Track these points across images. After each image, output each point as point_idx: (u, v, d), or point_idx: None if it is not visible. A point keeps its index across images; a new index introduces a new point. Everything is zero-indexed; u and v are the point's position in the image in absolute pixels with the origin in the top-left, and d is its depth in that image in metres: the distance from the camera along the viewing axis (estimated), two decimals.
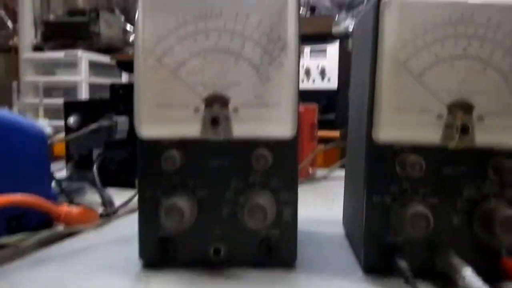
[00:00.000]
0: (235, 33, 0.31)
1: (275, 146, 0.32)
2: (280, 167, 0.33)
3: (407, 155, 0.31)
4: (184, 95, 0.31)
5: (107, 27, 2.21)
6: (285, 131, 0.32)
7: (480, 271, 0.29)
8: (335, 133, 1.58)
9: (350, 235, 0.41)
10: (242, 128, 0.32)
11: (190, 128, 0.32)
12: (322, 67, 1.67)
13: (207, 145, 0.32)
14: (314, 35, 1.60)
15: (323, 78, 1.67)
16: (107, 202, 0.52)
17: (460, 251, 0.31)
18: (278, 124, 0.32)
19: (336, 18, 1.98)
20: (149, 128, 0.32)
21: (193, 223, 0.32)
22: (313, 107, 0.76)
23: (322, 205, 0.56)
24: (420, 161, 0.30)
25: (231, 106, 0.32)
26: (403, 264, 0.31)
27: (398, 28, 0.31)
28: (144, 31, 0.31)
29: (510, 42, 0.30)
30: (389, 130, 0.32)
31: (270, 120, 0.32)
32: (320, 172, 0.78)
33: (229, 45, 0.31)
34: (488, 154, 0.32)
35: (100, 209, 0.50)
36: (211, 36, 0.31)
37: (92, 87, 2.16)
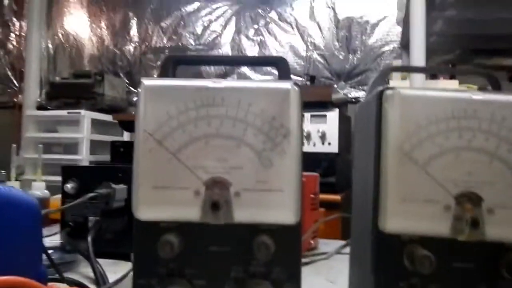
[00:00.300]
0: (237, 120, 0.31)
1: (278, 232, 0.31)
2: (282, 256, 0.31)
3: (415, 247, 0.30)
4: (184, 178, 0.31)
5: (111, 88, 2.26)
6: (288, 217, 0.31)
7: None
8: (336, 197, 1.57)
9: None
10: (244, 212, 0.31)
11: (190, 211, 0.31)
12: (322, 131, 1.69)
13: (207, 230, 0.31)
14: (314, 103, 1.63)
15: (323, 142, 1.69)
16: (99, 278, 0.49)
17: None
18: (281, 210, 0.31)
19: (336, 86, 2.04)
20: (147, 210, 0.31)
21: None
22: (315, 176, 0.75)
23: (322, 287, 0.53)
24: (430, 256, 0.29)
25: (232, 190, 0.31)
26: None
27: (401, 120, 0.31)
28: (145, 115, 0.31)
29: None
30: (396, 220, 0.31)
31: (272, 205, 0.31)
32: (322, 244, 0.75)
33: (231, 131, 0.31)
34: (500, 249, 0.30)
35: (92, 286, 0.48)
36: (213, 122, 0.31)
37: (93, 144, 2.17)
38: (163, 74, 0.38)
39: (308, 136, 1.69)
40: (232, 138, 0.31)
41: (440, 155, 0.30)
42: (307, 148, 1.69)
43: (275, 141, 0.31)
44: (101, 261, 0.53)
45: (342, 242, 0.71)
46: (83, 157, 2.12)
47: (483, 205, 0.30)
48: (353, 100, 2.09)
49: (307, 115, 1.71)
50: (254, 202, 0.31)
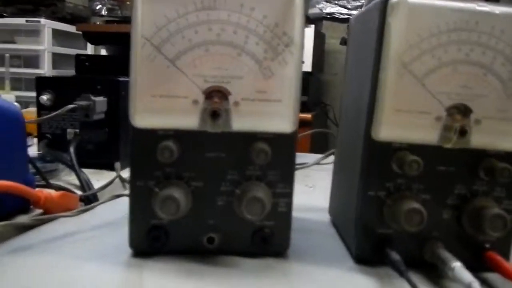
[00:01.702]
0: (238, 26, 0.30)
1: (275, 140, 0.32)
2: (278, 161, 0.32)
3: (405, 154, 0.32)
4: (182, 86, 0.30)
5: None
6: (286, 126, 0.32)
7: (466, 263, 0.30)
8: (308, 116, 1.60)
9: (337, 223, 0.42)
10: (242, 122, 0.31)
11: (188, 120, 0.31)
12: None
13: (205, 137, 0.32)
14: None
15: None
16: (85, 185, 0.50)
17: (447, 244, 0.33)
18: (279, 119, 0.32)
19: (311, 1, 1.97)
20: (145, 117, 0.31)
21: (187, 213, 0.32)
22: None
23: (303, 192, 0.56)
24: (418, 160, 0.31)
25: (231, 99, 0.31)
26: (396, 256, 0.31)
27: (404, 30, 0.30)
28: (142, 19, 0.29)
29: (510, 50, 0.31)
30: (388, 129, 0.32)
31: (271, 115, 0.31)
32: (298, 156, 0.78)
33: (232, 38, 0.30)
34: (481, 155, 0.33)
35: (78, 192, 0.49)
36: (214, 28, 0.30)
37: (56, 58, 2.06)
38: None
39: None
40: (233, 46, 0.30)
41: (438, 68, 0.31)
42: None
43: (277, 50, 0.31)
44: (85, 171, 0.54)
45: (319, 155, 0.75)
46: (45, 71, 2.02)
47: (472, 116, 0.32)
48: (328, 16, 2.05)
49: None
50: (253, 112, 0.31)
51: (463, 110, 0.32)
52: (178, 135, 0.31)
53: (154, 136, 0.31)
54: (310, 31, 1.65)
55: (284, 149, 0.33)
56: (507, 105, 0.32)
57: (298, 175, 0.65)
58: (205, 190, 0.32)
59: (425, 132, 0.32)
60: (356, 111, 0.36)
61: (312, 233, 0.41)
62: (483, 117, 0.32)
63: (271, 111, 0.31)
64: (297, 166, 0.68)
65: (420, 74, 0.31)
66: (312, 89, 1.68)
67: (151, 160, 0.31)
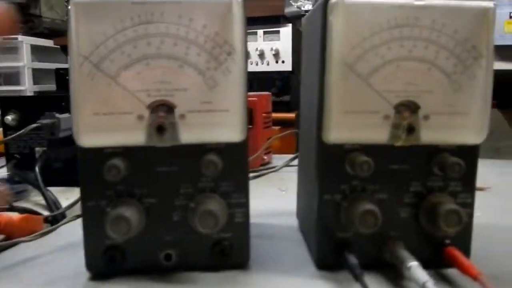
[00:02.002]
0: (178, 38, 0.29)
1: (225, 150, 0.32)
2: (230, 171, 0.32)
3: (356, 155, 0.31)
4: (126, 102, 0.30)
5: (48, 9, 2.08)
6: (234, 135, 0.31)
7: (426, 260, 0.30)
8: (291, 115, 1.60)
9: (303, 228, 0.41)
10: (190, 134, 0.31)
11: (135, 136, 0.30)
12: (276, 49, 1.66)
13: (154, 152, 0.31)
14: (266, 18, 1.58)
15: (277, 60, 1.67)
16: (52, 204, 0.49)
17: (407, 242, 0.32)
18: (227, 129, 0.31)
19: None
20: (90, 136, 0.30)
21: (142, 230, 0.31)
22: (267, 95, 0.75)
23: (275, 196, 0.56)
24: (369, 161, 0.31)
25: (177, 112, 0.30)
26: (353, 260, 0.31)
27: (345, 31, 0.30)
28: (79, 37, 0.29)
29: (453, 44, 0.31)
30: (339, 131, 0.32)
31: (218, 125, 0.31)
32: (275, 158, 0.78)
33: (172, 51, 0.30)
34: (433, 151, 0.33)
35: (45, 213, 0.48)
36: (153, 41, 0.29)
37: (36, 73, 2.04)
38: None
39: (262, 55, 1.66)
40: (175, 58, 0.30)
41: (382, 66, 0.31)
42: (261, 67, 1.67)
43: (219, 59, 0.30)
44: (52, 189, 0.53)
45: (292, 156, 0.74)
46: (26, 87, 2.00)
47: (420, 112, 0.32)
48: (307, 13, 2.05)
49: (260, 32, 1.66)
50: (200, 123, 0.31)
51: (411, 107, 0.31)
52: (126, 152, 0.31)
53: (102, 154, 0.31)
54: (288, 30, 1.65)
55: (236, 159, 0.32)
56: (454, 99, 0.31)
57: (272, 178, 0.66)
58: (158, 206, 0.32)
59: (375, 131, 0.32)
60: (309, 114, 0.36)
61: (279, 240, 0.40)
62: (431, 112, 0.32)
63: (218, 121, 0.31)
64: (266, 170, 0.68)
65: (365, 73, 0.31)
66: (294, 88, 1.68)
67: (101, 179, 0.30)
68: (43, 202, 0.51)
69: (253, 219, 0.46)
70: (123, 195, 0.31)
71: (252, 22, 1.64)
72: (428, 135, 0.32)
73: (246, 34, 0.31)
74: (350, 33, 0.30)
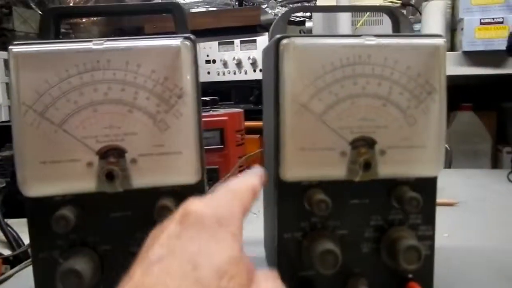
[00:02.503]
0: (126, 83, 0.29)
1: (180, 193, 0.31)
2: None
3: (313, 193, 0.31)
4: (74, 150, 0.29)
5: (22, 23, 2.04)
6: (189, 177, 0.31)
7: None
8: None
9: (269, 260, 0.41)
10: (143, 178, 0.30)
11: (85, 183, 0.29)
12: (253, 58, 1.66)
13: (106, 198, 0.30)
14: (243, 27, 1.58)
15: (254, 69, 1.66)
16: (13, 242, 0.48)
17: (370, 278, 0.32)
18: (182, 172, 0.31)
19: (265, 6, 1.97)
20: (37, 186, 0.29)
21: (98, 280, 0.30)
22: (238, 112, 0.75)
23: (247, 221, 0.55)
24: (326, 199, 0.30)
25: (128, 157, 0.30)
26: None
27: (297, 70, 0.30)
28: (21, 86, 0.28)
29: (406, 79, 0.30)
30: (295, 168, 0.31)
31: (172, 168, 0.30)
32: None
33: (120, 96, 0.29)
34: (392, 185, 0.32)
35: (5, 252, 0.46)
36: (100, 87, 0.29)
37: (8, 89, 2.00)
38: (43, 31, 0.34)
39: (239, 64, 1.65)
40: (123, 103, 0.29)
41: (336, 103, 0.30)
42: (239, 76, 1.66)
43: (170, 102, 0.30)
44: (17, 220, 0.52)
45: None
46: (1, 102, 1.96)
47: (376, 147, 0.31)
48: None
49: (237, 41, 1.66)
50: (153, 167, 0.30)
51: (368, 142, 0.31)
52: (77, 199, 0.30)
53: (51, 203, 0.30)
54: (264, 39, 1.64)
55: None
56: (410, 133, 0.31)
57: None
58: (114, 253, 0.31)
59: (332, 168, 0.31)
60: (268, 149, 0.35)
61: None
62: (388, 147, 0.31)
63: (172, 164, 0.30)
64: None
65: (319, 111, 0.30)
66: None
67: (51, 230, 0.29)
68: (3, 238, 0.50)
69: None
70: (76, 244, 0.30)
71: (229, 32, 1.63)
72: (386, 169, 0.31)
73: (198, 75, 0.30)
74: (303, 73, 0.30)
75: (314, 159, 0.31)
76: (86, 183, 0.29)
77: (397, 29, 0.36)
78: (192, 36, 0.30)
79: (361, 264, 0.33)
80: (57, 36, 0.34)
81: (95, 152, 0.29)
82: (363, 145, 0.31)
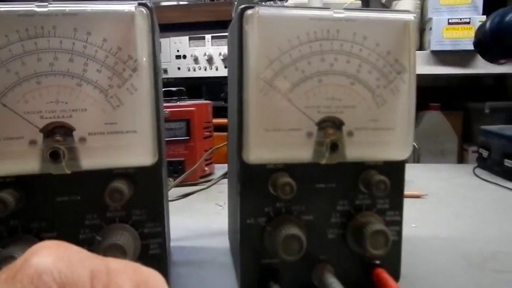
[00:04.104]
0: (74, 54, 0.26)
1: (134, 175, 0.29)
2: (142, 198, 0.29)
3: (278, 176, 0.29)
4: (15, 126, 0.26)
5: None
6: (144, 159, 0.28)
7: (357, 283, 0.29)
8: None
9: (232, 251, 0.39)
10: (93, 159, 0.27)
11: (27, 163, 0.27)
12: (224, 54, 1.64)
13: (52, 180, 0.28)
14: (214, 22, 1.55)
15: (226, 65, 1.64)
16: None
17: (336, 265, 0.31)
18: (136, 152, 0.28)
19: (236, 2, 1.95)
20: None
21: None
22: (206, 104, 0.72)
23: (212, 213, 0.53)
24: (291, 182, 0.29)
25: (76, 135, 0.27)
26: None
27: (262, 44, 0.28)
28: None
29: (375, 57, 0.29)
30: (259, 150, 0.29)
31: (125, 148, 0.28)
32: (219, 169, 0.75)
33: (68, 67, 0.26)
34: (360, 168, 0.31)
35: None
36: (45, 57, 0.26)
37: None
38: None
39: (210, 60, 1.63)
40: (71, 75, 0.27)
41: (303, 81, 0.29)
42: (210, 72, 1.64)
43: (123, 76, 0.27)
44: None
45: None
46: None
47: (344, 128, 0.30)
48: (263, 2, 2.03)
49: (208, 36, 1.63)
50: (104, 147, 0.27)
51: (335, 123, 0.30)
52: (18, 181, 0.27)
53: None
54: None
55: (148, 184, 0.29)
56: (378, 114, 0.30)
57: (210, 192, 0.63)
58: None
59: (298, 150, 0.30)
60: (232, 132, 0.33)
61: (206, 265, 0.37)
62: (356, 128, 0.30)
63: (125, 144, 0.28)
64: (201, 186, 0.65)
65: (284, 89, 0.29)
66: None
67: None
68: None
69: (184, 242, 0.43)
70: (17, 231, 0.28)
71: (200, 27, 1.60)
72: (353, 152, 0.30)
73: (156, 47, 0.28)
74: (268, 47, 0.28)
75: (279, 140, 0.29)
76: (29, 164, 0.27)
77: (366, 5, 0.35)
78: (149, 3, 0.28)
79: (327, 251, 0.31)
80: None
81: (39, 129, 0.27)
82: (331, 126, 0.30)
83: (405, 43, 0.29)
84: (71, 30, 0.26)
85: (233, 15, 0.35)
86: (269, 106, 0.29)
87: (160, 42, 0.34)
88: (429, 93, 1.57)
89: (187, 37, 1.62)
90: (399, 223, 0.32)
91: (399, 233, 0.32)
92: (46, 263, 0.14)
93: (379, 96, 0.30)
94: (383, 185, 0.29)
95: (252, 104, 0.29)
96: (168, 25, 1.57)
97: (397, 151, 0.31)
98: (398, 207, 0.32)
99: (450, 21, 1.14)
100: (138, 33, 0.27)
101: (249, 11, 0.28)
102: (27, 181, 0.27)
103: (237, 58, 0.29)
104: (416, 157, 1.38)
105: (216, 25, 1.60)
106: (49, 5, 0.26)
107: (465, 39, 1.15)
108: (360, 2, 1.22)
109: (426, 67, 1.20)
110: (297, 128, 0.29)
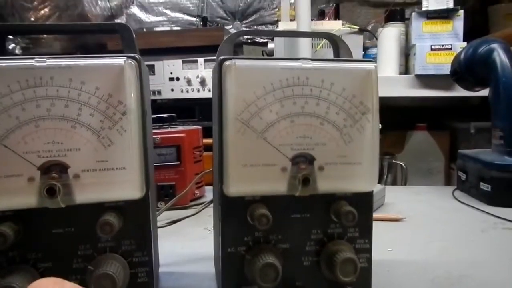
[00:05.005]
0: (69, 99, 0.29)
1: (124, 208, 0.31)
2: (131, 229, 0.32)
3: (255, 208, 0.32)
4: (15, 165, 0.29)
5: None
6: (133, 193, 0.31)
7: None
8: None
9: (217, 277, 0.41)
10: (86, 193, 0.30)
11: (26, 198, 0.29)
12: None
13: (48, 214, 0.30)
14: (207, 47, 1.60)
15: None
16: None
17: None
18: (126, 187, 0.31)
19: (230, 27, 2.01)
20: None
21: None
22: (196, 129, 0.75)
23: (200, 237, 0.55)
24: (266, 214, 0.31)
25: (71, 172, 0.30)
26: None
27: (239, 90, 0.31)
28: None
29: (342, 100, 0.32)
30: (238, 184, 0.32)
31: (116, 183, 0.31)
32: (210, 191, 0.77)
33: (63, 112, 0.29)
34: (331, 199, 0.34)
35: None
36: (43, 104, 0.29)
37: None
38: None
39: (203, 82, 1.67)
40: (66, 119, 0.30)
41: (276, 122, 0.32)
42: (203, 94, 1.67)
43: (114, 119, 0.30)
44: None
45: None
46: None
47: (315, 163, 0.33)
48: (249, 41, 2.09)
49: (201, 60, 1.68)
50: (96, 182, 0.30)
51: (307, 159, 0.33)
52: (17, 215, 0.30)
53: None
54: None
55: (137, 216, 0.32)
56: (346, 150, 0.33)
57: (200, 216, 0.65)
58: (55, 270, 0.31)
59: (273, 183, 0.33)
60: (214, 166, 0.36)
61: None
62: (326, 163, 0.33)
63: (115, 180, 0.31)
64: (196, 207, 0.68)
65: (260, 129, 0.32)
66: None
67: None
68: None
69: (172, 267, 0.46)
70: (16, 261, 0.30)
71: (193, 51, 1.65)
72: (324, 184, 0.33)
73: (143, 93, 0.31)
74: (244, 92, 0.31)
75: (256, 175, 0.32)
76: (27, 199, 0.29)
77: (337, 54, 0.39)
78: (137, 56, 0.31)
79: (303, 277, 0.34)
80: (2, 52, 0.34)
81: (36, 168, 0.29)
82: (303, 161, 0.33)
83: (368, 87, 0.33)
84: (67, 80, 0.29)
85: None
86: (246, 144, 0.32)
87: (149, 85, 0.37)
88: (416, 113, 1.62)
89: (180, 60, 1.66)
90: (368, 251, 0.35)
91: (368, 260, 0.35)
92: None
93: (347, 134, 0.33)
94: (351, 216, 0.32)
95: (231, 143, 0.32)
96: (162, 49, 1.62)
97: (364, 183, 0.34)
98: (367, 235, 0.35)
99: (432, 47, 1.19)
100: (127, 82, 0.30)
101: (227, 62, 0.32)
102: (25, 214, 0.30)
103: (217, 101, 0.32)
104: (404, 177, 1.42)
105: (208, 49, 1.64)
106: (47, 61, 0.29)
107: (447, 64, 1.19)
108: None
109: (412, 90, 1.25)
110: (272, 163, 0.32)
